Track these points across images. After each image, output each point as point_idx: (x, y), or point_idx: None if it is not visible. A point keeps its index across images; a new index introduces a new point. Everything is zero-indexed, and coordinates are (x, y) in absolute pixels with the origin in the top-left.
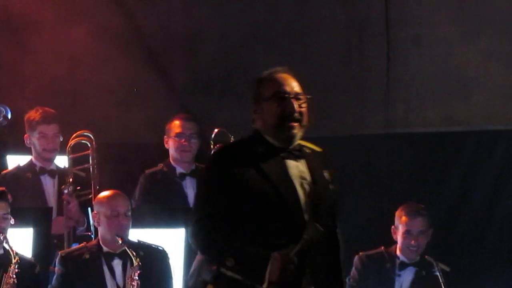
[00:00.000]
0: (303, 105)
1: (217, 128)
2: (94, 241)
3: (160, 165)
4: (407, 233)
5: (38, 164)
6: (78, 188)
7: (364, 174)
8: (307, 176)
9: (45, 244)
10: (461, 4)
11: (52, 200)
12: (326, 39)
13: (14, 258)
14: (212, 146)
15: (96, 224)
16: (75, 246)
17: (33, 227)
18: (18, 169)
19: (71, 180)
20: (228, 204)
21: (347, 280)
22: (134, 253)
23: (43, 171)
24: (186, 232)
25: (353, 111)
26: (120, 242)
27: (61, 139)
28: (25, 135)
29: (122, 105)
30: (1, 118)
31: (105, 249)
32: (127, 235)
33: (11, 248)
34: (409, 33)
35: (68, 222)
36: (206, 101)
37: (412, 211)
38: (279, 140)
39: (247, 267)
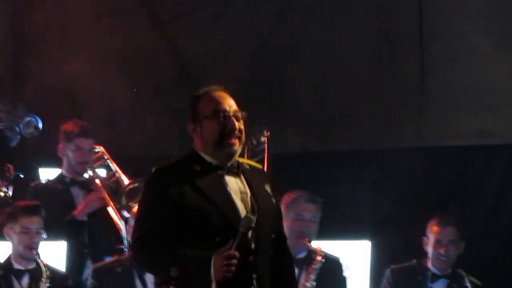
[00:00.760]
0: (241, 123)
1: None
2: (126, 254)
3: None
4: (437, 242)
5: (69, 175)
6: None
7: (396, 186)
8: (247, 190)
9: (78, 257)
10: (494, 16)
11: None
12: (358, 52)
13: (46, 272)
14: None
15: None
16: (107, 260)
17: (66, 240)
18: (49, 180)
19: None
20: (166, 223)
21: None
22: None
23: (73, 182)
24: None
25: (386, 124)
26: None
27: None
28: (59, 146)
29: (155, 117)
30: (32, 129)
31: None
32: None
33: (42, 262)
34: (442, 46)
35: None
36: None
37: (443, 220)
38: (218, 157)
39: (191, 273)
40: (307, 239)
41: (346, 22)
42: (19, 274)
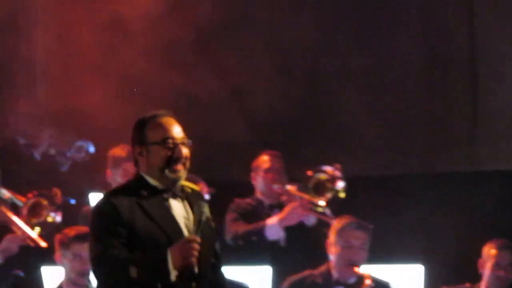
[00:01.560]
0: (188, 150)
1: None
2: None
3: (249, 199)
4: (496, 264)
5: None
6: None
7: (449, 209)
8: (190, 216)
9: None
10: None
11: None
12: (409, 75)
13: None
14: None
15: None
16: None
17: None
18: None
19: None
20: (119, 243)
21: None
22: None
23: None
24: (273, 270)
25: (438, 148)
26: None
27: None
28: (107, 171)
29: (202, 142)
30: (83, 154)
31: None
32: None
33: None
34: (494, 70)
35: None
36: (288, 139)
37: (502, 244)
38: (163, 182)
39: (150, 268)
40: (356, 267)
41: (397, 46)
42: None
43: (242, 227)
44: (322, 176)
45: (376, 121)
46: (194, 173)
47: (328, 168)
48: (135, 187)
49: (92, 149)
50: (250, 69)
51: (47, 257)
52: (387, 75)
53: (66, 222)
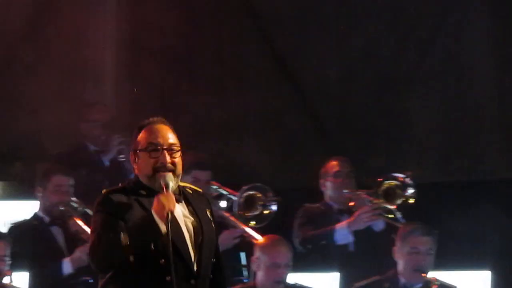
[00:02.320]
0: (176, 156)
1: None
2: (250, 283)
3: (318, 204)
4: None
5: None
6: None
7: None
8: (190, 215)
9: None
10: None
11: None
12: (479, 80)
13: None
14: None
15: (255, 268)
16: None
17: None
18: None
19: None
20: (113, 232)
21: None
22: None
23: None
24: (340, 275)
25: (508, 154)
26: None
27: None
28: None
29: (272, 149)
30: None
31: None
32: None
33: None
34: None
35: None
36: (357, 146)
37: None
38: (153, 187)
39: (140, 232)
40: (423, 273)
41: (465, 50)
42: None
43: (311, 232)
44: (393, 182)
45: (446, 127)
46: (264, 181)
47: (399, 175)
48: (133, 187)
49: None
50: (317, 76)
51: None
52: (456, 80)
53: None
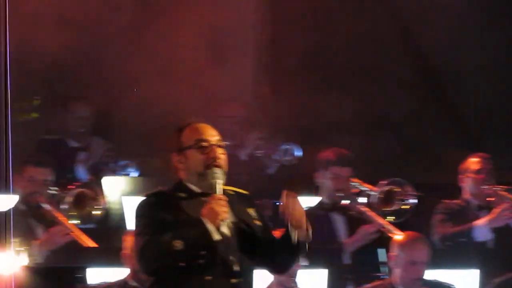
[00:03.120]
0: (223, 152)
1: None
2: (387, 280)
3: (457, 200)
4: None
5: (328, 202)
6: None
7: None
8: (229, 216)
9: (339, 283)
10: None
11: (343, 238)
12: None
13: None
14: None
15: (393, 265)
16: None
17: (327, 268)
18: (309, 207)
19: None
20: (158, 233)
21: None
22: None
23: (333, 209)
24: (480, 272)
25: None
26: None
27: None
28: (317, 173)
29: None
30: (290, 157)
31: None
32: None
33: None
34: None
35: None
36: (496, 141)
37: None
38: (202, 186)
39: (193, 239)
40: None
41: None
42: None
43: (450, 229)
44: None
45: (493, 119)
46: (402, 177)
47: None
48: (174, 190)
49: (299, 152)
50: (457, 71)
51: None
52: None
53: (275, 224)
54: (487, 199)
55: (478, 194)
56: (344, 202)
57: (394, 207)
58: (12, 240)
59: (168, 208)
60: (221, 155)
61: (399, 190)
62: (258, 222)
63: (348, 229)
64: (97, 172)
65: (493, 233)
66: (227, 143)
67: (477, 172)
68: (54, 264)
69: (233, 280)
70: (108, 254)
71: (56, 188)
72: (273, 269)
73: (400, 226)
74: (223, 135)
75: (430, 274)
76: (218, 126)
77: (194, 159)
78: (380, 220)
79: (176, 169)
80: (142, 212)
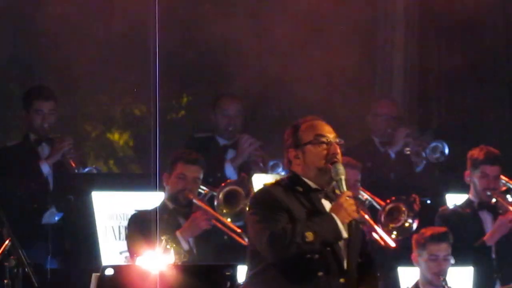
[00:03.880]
0: (339, 150)
1: None
2: None
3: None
4: None
5: (476, 200)
6: None
7: None
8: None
9: (486, 282)
10: None
11: None
12: None
13: None
14: None
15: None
16: None
17: (473, 266)
18: (456, 206)
19: None
20: (282, 220)
21: None
22: None
23: (481, 207)
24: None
25: None
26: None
27: None
28: (466, 172)
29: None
30: (439, 155)
31: None
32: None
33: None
34: None
35: None
36: None
37: None
38: (320, 181)
39: (323, 229)
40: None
41: None
42: None
43: None
44: None
45: None
46: None
47: None
48: (289, 183)
49: (447, 150)
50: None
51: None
52: None
53: (421, 222)
54: None
55: None
56: (492, 200)
57: None
58: (158, 237)
59: (288, 200)
60: (339, 152)
61: None
62: (361, 226)
63: None
64: (247, 170)
65: None
66: (342, 141)
67: None
68: (201, 262)
69: (342, 280)
70: None
71: (205, 187)
72: None
73: None
74: (373, 133)
75: None
76: (368, 124)
77: (314, 154)
78: None
79: (292, 164)
80: (262, 200)
